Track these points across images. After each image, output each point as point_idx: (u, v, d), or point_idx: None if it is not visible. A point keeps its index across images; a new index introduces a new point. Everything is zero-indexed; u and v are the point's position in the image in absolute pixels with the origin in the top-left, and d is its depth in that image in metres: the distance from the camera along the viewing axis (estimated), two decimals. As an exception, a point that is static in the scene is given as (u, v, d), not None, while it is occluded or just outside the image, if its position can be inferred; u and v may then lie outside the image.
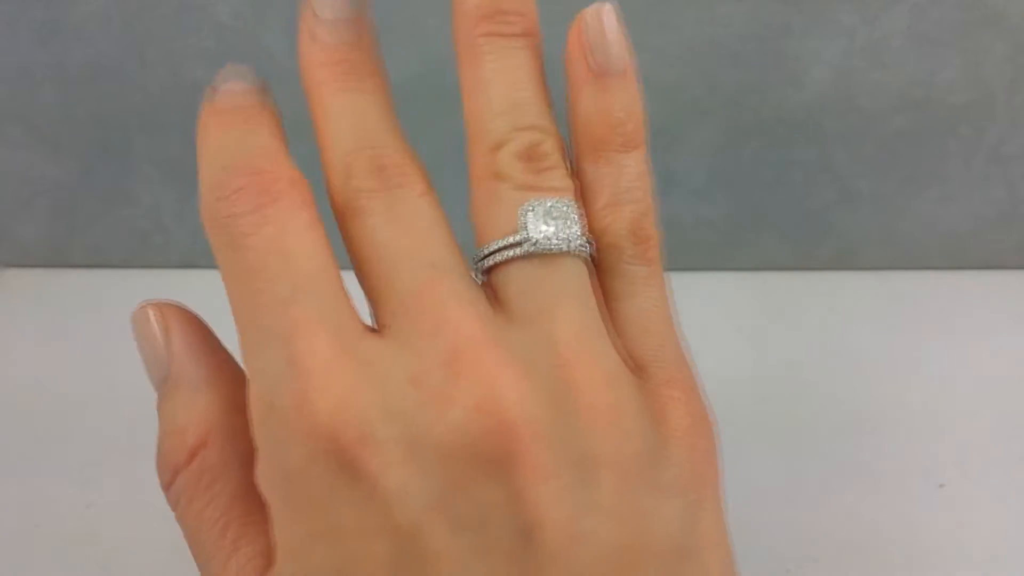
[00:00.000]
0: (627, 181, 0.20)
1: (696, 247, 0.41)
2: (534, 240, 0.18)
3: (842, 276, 0.42)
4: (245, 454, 0.18)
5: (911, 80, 0.36)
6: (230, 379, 0.19)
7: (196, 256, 0.42)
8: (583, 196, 0.20)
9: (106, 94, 0.37)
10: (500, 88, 0.19)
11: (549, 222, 0.18)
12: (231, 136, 0.18)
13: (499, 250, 0.18)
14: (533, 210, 0.18)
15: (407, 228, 0.18)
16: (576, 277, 0.18)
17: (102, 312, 0.40)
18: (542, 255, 0.18)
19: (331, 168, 0.19)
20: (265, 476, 0.17)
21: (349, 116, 0.19)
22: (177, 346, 0.19)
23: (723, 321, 0.39)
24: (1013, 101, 0.37)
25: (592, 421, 0.17)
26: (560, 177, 0.19)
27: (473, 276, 0.19)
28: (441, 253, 0.18)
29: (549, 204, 0.18)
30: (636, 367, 0.19)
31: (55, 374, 0.38)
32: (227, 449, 0.18)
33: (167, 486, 0.19)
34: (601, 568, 0.16)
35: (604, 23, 0.20)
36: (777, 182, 0.39)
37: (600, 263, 0.19)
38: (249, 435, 0.17)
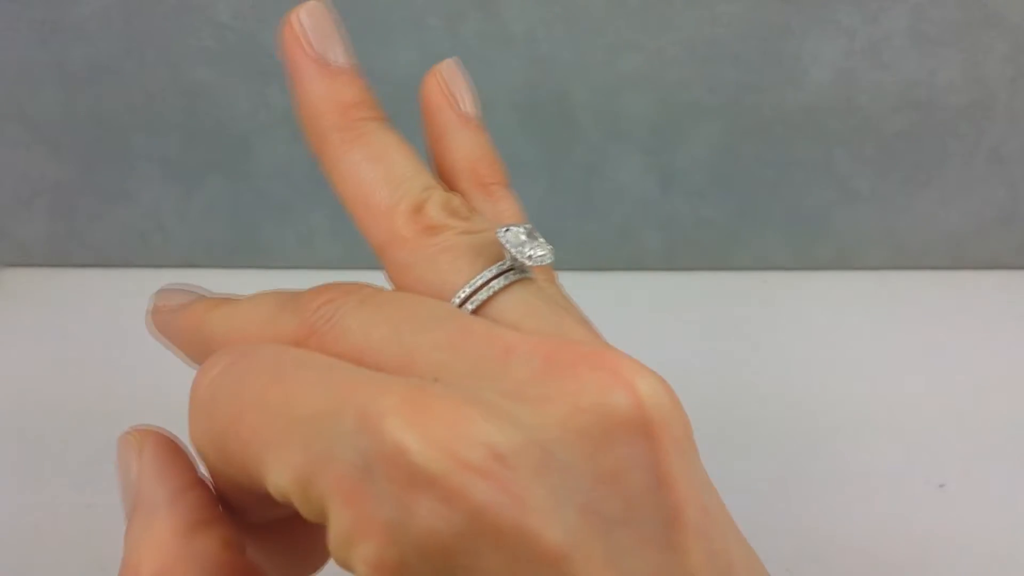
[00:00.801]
0: (517, 213, 0.21)
1: (696, 247, 0.41)
2: (529, 255, 0.18)
3: (842, 276, 0.42)
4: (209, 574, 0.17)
5: (911, 80, 0.36)
6: (195, 499, 0.18)
7: (196, 256, 0.42)
8: None
9: (106, 94, 0.37)
10: (390, 161, 0.20)
11: (530, 245, 0.18)
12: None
13: (485, 284, 0.18)
14: (509, 230, 0.18)
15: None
16: (558, 287, 0.19)
17: (102, 312, 0.40)
18: (521, 279, 0.18)
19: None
20: (394, 541, 0.14)
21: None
22: (145, 469, 0.18)
23: (722, 321, 0.39)
24: (1013, 101, 0.37)
25: (674, 404, 0.17)
26: (483, 219, 0.20)
27: None
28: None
29: (516, 230, 0.19)
30: None
31: (55, 374, 0.38)
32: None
33: None
34: (724, 538, 0.16)
35: (460, 74, 0.22)
36: (777, 182, 0.39)
37: None
38: (214, 556, 0.17)
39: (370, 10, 0.35)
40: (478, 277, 0.18)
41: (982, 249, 0.41)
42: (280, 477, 0.15)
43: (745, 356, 0.38)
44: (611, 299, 0.40)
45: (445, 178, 0.21)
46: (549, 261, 0.18)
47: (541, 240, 0.19)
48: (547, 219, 0.40)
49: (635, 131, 0.38)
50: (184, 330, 0.20)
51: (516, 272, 0.18)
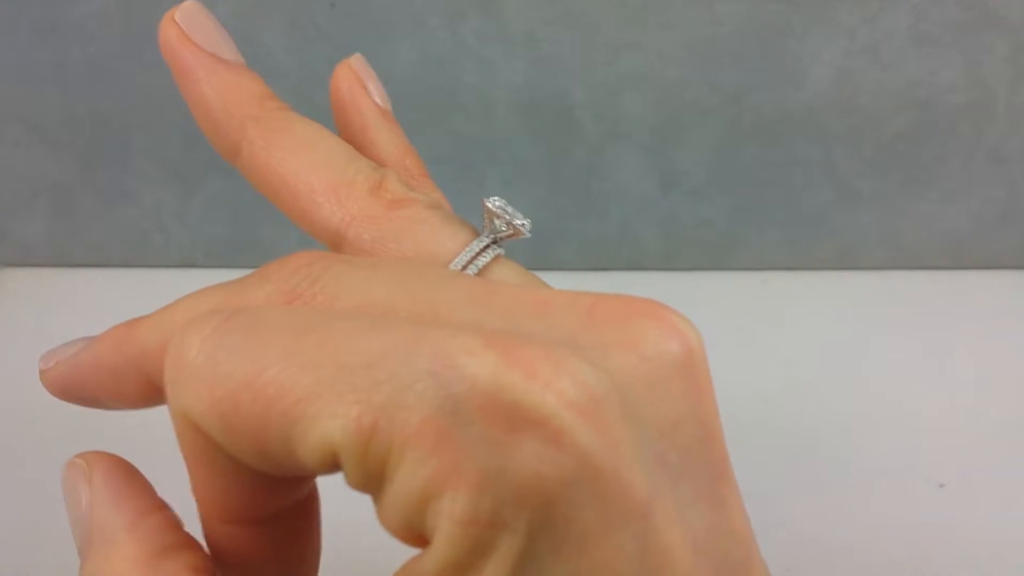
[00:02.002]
0: (446, 202, 0.20)
1: (696, 247, 0.41)
2: (521, 223, 0.18)
3: (842, 276, 0.42)
4: None
5: (911, 80, 0.36)
6: (157, 523, 0.16)
7: (196, 256, 0.42)
8: None
9: (106, 94, 0.37)
10: (326, 145, 0.19)
11: (516, 213, 0.18)
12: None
13: (479, 252, 0.18)
14: (495, 204, 0.18)
15: None
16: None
17: (102, 312, 0.40)
18: (500, 253, 0.18)
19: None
20: (488, 490, 0.13)
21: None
22: (98, 496, 0.17)
23: (723, 321, 0.39)
24: (1013, 101, 0.37)
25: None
26: (432, 187, 0.20)
27: None
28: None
29: (499, 200, 0.18)
30: None
31: (55, 374, 0.38)
32: None
33: None
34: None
35: (370, 69, 0.21)
36: (777, 182, 0.39)
37: None
38: None
39: (370, 10, 0.35)
40: (472, 244, 0.18)
41: (982, 249, 0.41)
42: (327, 433, 0.13)
43: (745, 356, 0.38)
44: (611, 299, 0.40)
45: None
46: (530, 231, 0.18)
47: (518, 211, 0.18)
48: (547, 219, 0.40)
49: (635, 131, 0.38)
50: (100, 359, 0.18)
51: (499, 245, 0.18)
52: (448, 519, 0.13)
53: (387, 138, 0.21)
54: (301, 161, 0.19)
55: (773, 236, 0.41)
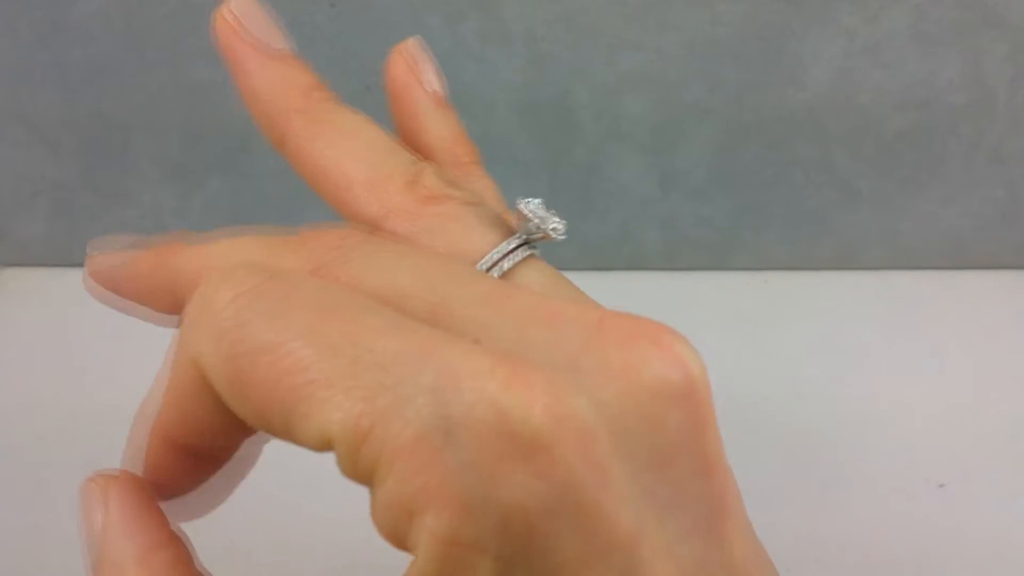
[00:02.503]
0: (496, 192, 0.21)
1: (696, 247, 0.41)
2: (553, 227, 0.18)
3: (842, 276, 0.42)
4: None
5: (911, 80, 0.36)
6: (168, 559, 0.16)
7: (196, 256, 0.42)
8: None
9: (106, 94, 0.37)
10: (367, 137, 0.19)
11: (549, 218, 0.18)
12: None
13: (508, 254, 0.18)
14: (529, 208, 0.18)
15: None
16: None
17: (102, 312, 0.40)
18: (532, 254, 0.18)
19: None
20: (471, 514, 0.13)
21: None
22: (111, 522, 0.17)
23: (723, 321, 0.39)
24: (1013, 101, 0.37)
25: (709, 386, 0.16)
26: (476, 192, 0.19)
27: None
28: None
29: (536, 201, 0.18)
30: None
31: (55, 373, 0.38)
32: None
33: None
34: (752, 530, 0.16)
35: (425, 53, 0.21)
36: (777, 182, 0.39)
37: None
38: None
39: (370, 10, 0.35)
40: (501, 246, 0.18)
41: (982, 249, 0.41)
42: (328, 423, 0.13)
43: (745, 356, 0.38)
44: (611, 299, 0.40)
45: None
46: (564, 235, 0.18)
47: (555, 214, 0.18)
48: (547, 219, 0.40)
49: (635, 131, 0.38)
50: (142, 274, 0.18)
51: (531, 246, 0.18)
52: (430, 536, 0.13)
53: (438, 125, 0.21)
54: (342, 153, 0.19)
55: (773, 236, 0.41)
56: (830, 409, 0.36)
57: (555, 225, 0.18)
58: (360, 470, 0.13)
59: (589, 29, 0.35)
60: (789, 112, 0.37)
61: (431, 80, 0.21)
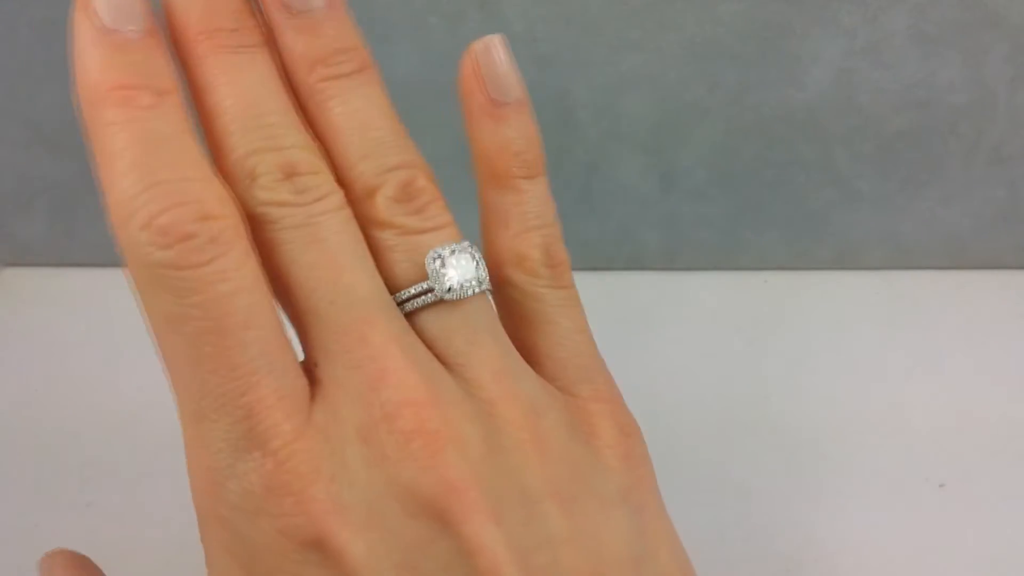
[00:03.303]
0: (533, 207, 0.20)
1: (696, 247, 0.41)
2: (448, 287, 0.18)
3: (842, 276, 0.42)
4: None
5: (911, 80, 0.36)
6: None
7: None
8: (488, 222, 0.20)
9: (106, 94, 0.37)
10: (355, 132, 0.19)
11: (456, 268, 0.18)
12: (145, 132, 0.18)
13: (411, 298, 0.18)
14: (439, 258, 0.18)
15: (329, 253, 0.17)
16: (486, 315, 0.19)
17: (102, 312, 0.40)
18: (443, 300, 0.18)
19: (230, 165, 0.18)
20: (222, 544, 0.17)
21: (240, 93, 0.19)
22: None
23: (723, 321, 0.39)
24: (1013, 101, 0.37)
25: (522, 457, 0.17)
26: (441, 210, 0.19)
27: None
28: (368, 284, 0.18)
29: (450, 250, 0.18)
30: (563, 386, 0.20)
31: (55, 373, 0.38)
32: None
33: None
34: None
35: (495, 56, 0.20)
36: (777, 182, 0.39)
37: (518, 288, 0.20)
38: None
39: (370, 10, 0.35)
40: (409, 290, 0.18)
41: (982, 249, 0.41)
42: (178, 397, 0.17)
43: (745, 356, 0.38)
44: (611, 299, 0.40)
45: (474, 166, 0.21)
46: (469, 290, 0.18)
47: (467, 267, 0.18)
48: (547, 219, 0.40)
49: (635, 131, 0.38)
50: None
51: (445, 292, 0.18)
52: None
53: (482, 137, 0.20)
54: (361, 120, 0.19)
55: (773, 236, 0.41)
56: (830, 409, 0.36)
57: (451, 285, 0.18)
58: None
59: (589, 29, 0.35)
60: (789, 112, 0.37)
61: (494, 86, 0.20)
